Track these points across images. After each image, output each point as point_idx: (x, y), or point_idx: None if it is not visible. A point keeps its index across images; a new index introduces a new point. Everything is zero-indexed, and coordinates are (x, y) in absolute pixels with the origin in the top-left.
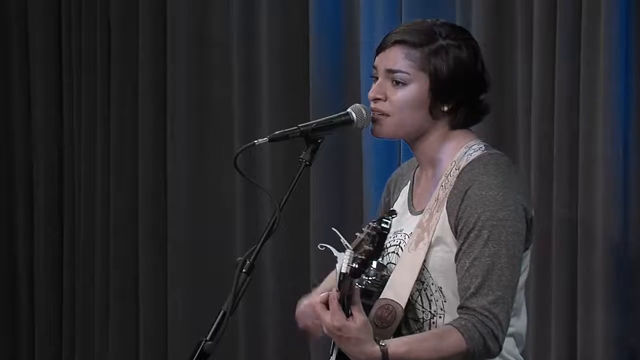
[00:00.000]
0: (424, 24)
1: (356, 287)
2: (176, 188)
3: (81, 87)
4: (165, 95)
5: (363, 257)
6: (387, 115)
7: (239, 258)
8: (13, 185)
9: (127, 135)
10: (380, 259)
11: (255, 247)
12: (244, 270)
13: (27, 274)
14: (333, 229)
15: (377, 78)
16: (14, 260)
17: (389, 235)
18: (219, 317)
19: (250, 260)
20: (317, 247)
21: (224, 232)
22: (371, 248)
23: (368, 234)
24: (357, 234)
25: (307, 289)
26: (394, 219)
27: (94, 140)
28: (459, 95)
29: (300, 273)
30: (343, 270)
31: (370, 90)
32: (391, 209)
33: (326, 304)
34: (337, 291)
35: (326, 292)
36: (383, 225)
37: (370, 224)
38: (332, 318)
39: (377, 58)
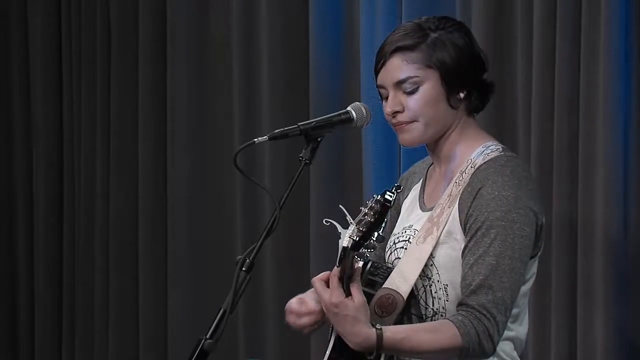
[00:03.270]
0: (410, 25)
1: (357, 264)
2: (176, 188)
3: (81, 87)
4: (165, 95)
5: (364, 229)
6: (413, 121)
7: (239, 256)
8: (13, 185)
9: (127, 135)
10: (380, 231)
11: (255, 246)
12: (243, 269)
13: (27, 274)
14: (340, 206)
15: (386, 98)
16: (14, 260)
17: (397, 232)
18: (218, 316)
19: (250, 258)
20: (317, 246)
21: (224, 232)
22: (372, 220)
23: (371, 207)
24: (362, 207)
25: (307, 287)
26: (407, 216)
27: (94, 140)
28: (470, 79)
29: (300, 271)
30: (344, 244)
31: (386, 106)
32: (397, 184)
33: (327, 281)
34: (338, 267)
35: (327, 271)
36: (386, 197)
37: (374, 196)
38: (331, 295)
39: (378, 78)
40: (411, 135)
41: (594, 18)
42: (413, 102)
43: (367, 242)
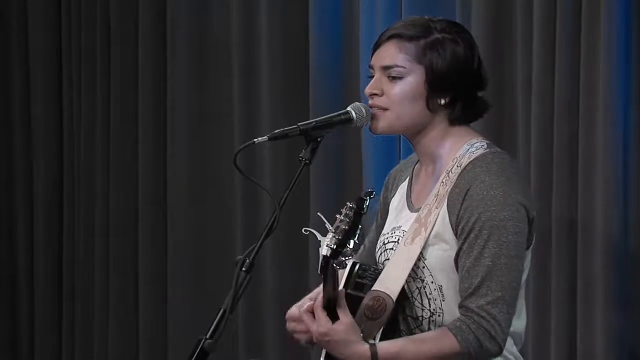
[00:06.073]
0: (420, 19)
1: (341, 289)
2: (176, 188)
3: (81, 87)
4: (165, 95)
5: (340, 236)
6: (385, 109)
7: (239, 257)
8: (13, 185)
9: (127, 135)
10: (356, 238)
11: (255, 246)
12: (243, 269)
13: (27, 274)
14: (318, 213)
15: (373, 77)
16: (14, 260)
17: (386, 232)
18: (218, 316)
19: (250, 258)
20: (317, 245)
21: (224, 232)
22: (347, 228)
23: (346, 214)
24: (337, 215)
25: (306, 287)
26: (395, 216)
27: (94, 140)
28: (456, 89)
29: (299, 271)
30: (323, 253)
31: (367, 87)
32: (369, 189)
33: (313, 312)
34: (320, 275)
35: (311, 302)
36: (359, 204)
37: (348, 204)
38: (317, 325)
39: (373, 57)
40: (380, 123)
41: (594, 18)
42: (392, 91)
43: (344, 250)
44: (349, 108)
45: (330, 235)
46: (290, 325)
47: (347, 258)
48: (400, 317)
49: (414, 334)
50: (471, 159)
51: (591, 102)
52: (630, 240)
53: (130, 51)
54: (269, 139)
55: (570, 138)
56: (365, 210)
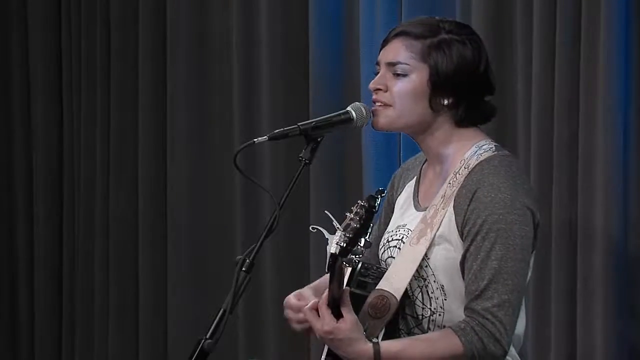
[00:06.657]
0: (430, 19)
1: (345, 287)
2: (176, 188)
3: (81, 87)
4: (165, 95)
5: (350, 235)
6: (388, 105)
7: (239, 257)
8: (13, 185)
9: (127, 135)
10: (367, 237)
11: (255, 246)
12: (243, 269)
13: (27, 273)
14: (326, 211)
15: (377, 74)
16: (14, 260)
17: (391, 230)
18: (218, 316)
19: (250, 258)
20: (317, 246)
21: (224, 232)
22: (358, 226)
23: (356, 212)
24: (347, 213)
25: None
26: (401, 214)
27: (94, 140)
28: (460, 91)
29: (299, 271)
30: (332, 251)
31: (372, 82)
32: (380, 188)
33: (317, 310)
34: (327, 272)
35: (316, 299)
36: (371, 203)
37: (359, 202)
38: (322, 323)
39: (380, 53)
40: (383, 120)
41: (594, 18)
42: (396, 87)
43: (354, 248)
44: (348, 108)
45: (339, 233)
46: (287, 313)
47: (357, 256)
48: (399, 315)
49: (413, 333)
50: (479, 160)
51: (591, 102)
52: (630, 240)
53: (130, 51)
54: (269, 139)
55: (570, 138)
56: (376, 209)
